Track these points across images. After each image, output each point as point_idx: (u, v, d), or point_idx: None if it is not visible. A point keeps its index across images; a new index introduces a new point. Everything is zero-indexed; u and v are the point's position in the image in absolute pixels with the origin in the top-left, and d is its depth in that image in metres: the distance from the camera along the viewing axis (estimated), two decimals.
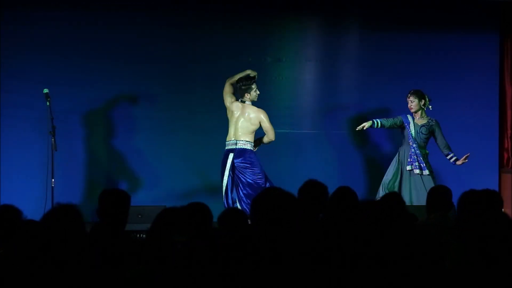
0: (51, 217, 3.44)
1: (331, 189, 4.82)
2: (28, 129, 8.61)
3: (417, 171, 8.00)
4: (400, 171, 8.12)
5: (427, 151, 8.17)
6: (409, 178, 8.07)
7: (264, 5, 9.22)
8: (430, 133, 8.18)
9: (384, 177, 8.15)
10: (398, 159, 8.16)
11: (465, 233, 4.06)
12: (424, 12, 9.47)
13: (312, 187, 4.85)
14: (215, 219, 4.32)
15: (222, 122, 9.04)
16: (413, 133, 8.08)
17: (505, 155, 9.80)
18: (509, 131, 9.78)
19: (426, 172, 8.03)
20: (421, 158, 8.04)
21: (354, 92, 9.46)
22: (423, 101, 8.15)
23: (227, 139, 7.95)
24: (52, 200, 7.64)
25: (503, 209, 4.74)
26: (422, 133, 8.14)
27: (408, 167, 8.04)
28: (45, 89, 7.88)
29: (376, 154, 9.00)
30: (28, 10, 8.69)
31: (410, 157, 8.06)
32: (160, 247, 3.66)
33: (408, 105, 8.18)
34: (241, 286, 3.12)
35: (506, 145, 9.80)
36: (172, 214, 3.84)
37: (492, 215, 4.06)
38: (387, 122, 8.24)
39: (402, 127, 8.19)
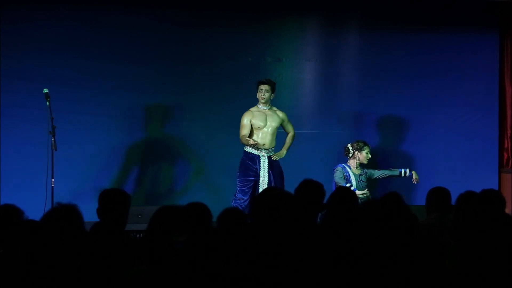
0: (51, 217, 3.44)
1: (330, 190, 4.83)
2: (28, 129, 8.61)
3: None
4: None
5: (367, 192, 8.17)
6: None
7: (264, 5, 9.22)
8: (368, 179, 8.26)
9: None
10: None
11: (464, 233, 4.06)
12: (424, 12, 9.48)
13: (309, 187, 4.86)
14: (214, 219, 4.32)
15: (222, 121, 9.05)
16: (355, 183, 8.12)
17: (505, 155, 9.80)
18: (509, 131, 9.78)
19: None
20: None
21: (353, 92, 9.46)
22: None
23: None
24: (52, 200, 7.63)
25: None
26: (362, 181, 8.21)
27: None
28: (45, 89, 7.87)
29: (375, 155, 8.99)
30: (28, 10, 8.69)
31: None
32: (159, 246, 3.66)
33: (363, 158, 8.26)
34: (240, 285, 3.12)
35: (506, 145, 9.80)
36: (171, 212, 3.84)
37: (491, 215, 4.07)
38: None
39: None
